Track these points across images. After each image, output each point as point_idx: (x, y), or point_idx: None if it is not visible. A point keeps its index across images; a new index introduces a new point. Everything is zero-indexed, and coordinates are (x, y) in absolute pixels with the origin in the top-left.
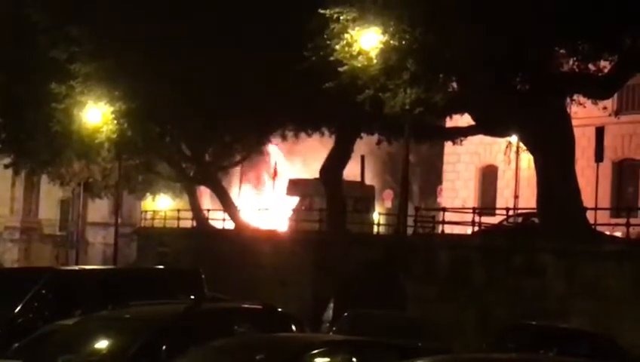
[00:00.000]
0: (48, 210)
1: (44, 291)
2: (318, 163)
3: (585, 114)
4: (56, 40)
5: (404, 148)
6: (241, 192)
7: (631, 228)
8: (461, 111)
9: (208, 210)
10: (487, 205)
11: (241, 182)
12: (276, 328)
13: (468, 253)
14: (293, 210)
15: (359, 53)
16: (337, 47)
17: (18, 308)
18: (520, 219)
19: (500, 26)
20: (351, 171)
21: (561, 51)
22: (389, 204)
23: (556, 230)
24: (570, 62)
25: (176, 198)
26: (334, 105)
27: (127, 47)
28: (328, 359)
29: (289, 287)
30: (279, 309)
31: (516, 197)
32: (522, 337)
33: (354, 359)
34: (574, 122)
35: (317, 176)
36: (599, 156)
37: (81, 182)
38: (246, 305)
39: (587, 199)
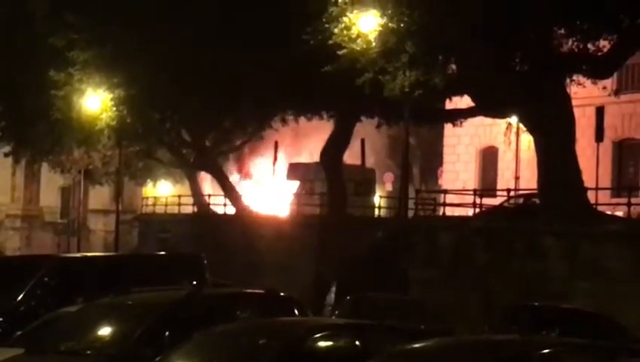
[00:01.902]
0: (49, 197)
1: (46, 279)
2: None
3: (585, 94)
4: (55, 27)
5: (404, 130)
6: (241, 177)
7: (632, 208)
8: (461, 93)
9: (209, 196)
10: (487, 187)
11: (242, 168)
12: (279, 312)
13: (469, 235)
14: (294, 195)
15: (358, 37)
16: (336, 30)
17: (20, 296)
18: (521, 200)
19: (498, 6)
20: (351, 155)
21: (561, 31)
22: (389, 187)
23: (557, 211)
24: (570, 41)
25: (176, 184)
26: (333, 88)
27: (125, 33)
28: (331, 342)
29: (291, 272)
30: (281, 293)
31: (517, 178)
32: (524, 318)
33: (357, 342)
34: (574, 102)
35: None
36: (599, 136)
37: (81, 169)
38: (248, 290)
39: (588, 179)
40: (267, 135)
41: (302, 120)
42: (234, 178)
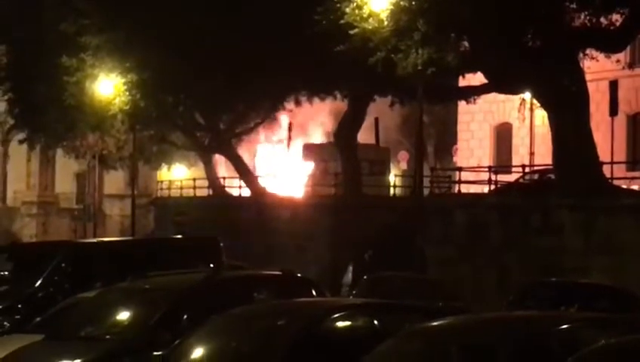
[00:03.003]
0: (64, 183)
1: (63, 265)
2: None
3: (598, 68)
4: (65, 14)
5: (418, 109)
6: (256, 159)
7: None
8: (474, 70)
9: (224, 178)
10: (502, 163)
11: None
12: (296, 293)
13: (485, 212)
14: (309, 176)
15: (370, 16)
16: (347, 10)
17: (38, 282)
18: (536, 176)
19: None
20: (365, 134)
21: (572, 5)
22: (404, 165)
23: (572, 185)
24: (582, 16)
25: (191, 167)
26: (346, 68)
27: (136, 17)
28: (349, 322)
29: (307, 252)
30: (298, 274)
31: (531, 154)
32: (542, 294)
33: (375, 321)
34: (587, 76)
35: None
36: (614, 110)
37: (95, 154)
38: (265, 272)
39: (603, 153)
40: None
41: (315, 100)
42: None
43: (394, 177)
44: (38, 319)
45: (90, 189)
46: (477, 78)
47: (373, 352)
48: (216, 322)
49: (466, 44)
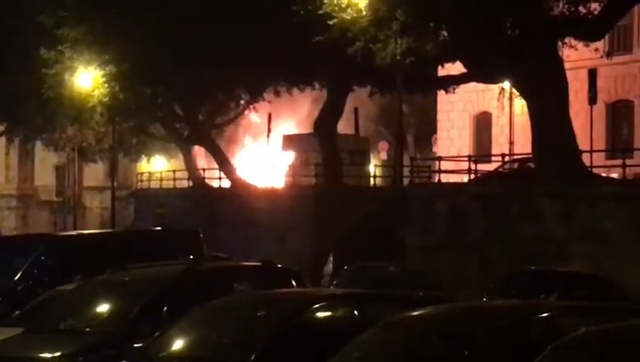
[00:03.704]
0: (44, 176)
1: (43, 258)
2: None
3: (577, 56)
4: (43, 5)
5: (397, 98)
6: (235, 149)
7: (627, 169)
8: (453, 60)
9: (204, 170)
10: (482, 152)
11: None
12: (276, 284)
13: (465, 201)
14: (290, 166)
15: (348, 6)
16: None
17: (18, 275)
18: (516, 165)
19: None
20: (345, 124)
21: None
22: (384, 155)
23: (552, 174)
24: (560, 5)
25: (171, 159)
26: (325, 58)
27: (115, 9)
28: (330, 313)
29: (288, 243)
30: (279, 265)
31: (511, 143)
32: (523, 283)
33: (355, 312)
34: (566, 65)
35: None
36: (593, 98)
37: (75, 146)
38: (245, 263)
39: (582, 142)
40: (260, 107)
41: (295, 91)
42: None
43: (374, 167)
44: (17, 312)
45: (69, 182)
46: (456, 68)
47: (353, 342)
48: (197, 313)
49: (445, 33)
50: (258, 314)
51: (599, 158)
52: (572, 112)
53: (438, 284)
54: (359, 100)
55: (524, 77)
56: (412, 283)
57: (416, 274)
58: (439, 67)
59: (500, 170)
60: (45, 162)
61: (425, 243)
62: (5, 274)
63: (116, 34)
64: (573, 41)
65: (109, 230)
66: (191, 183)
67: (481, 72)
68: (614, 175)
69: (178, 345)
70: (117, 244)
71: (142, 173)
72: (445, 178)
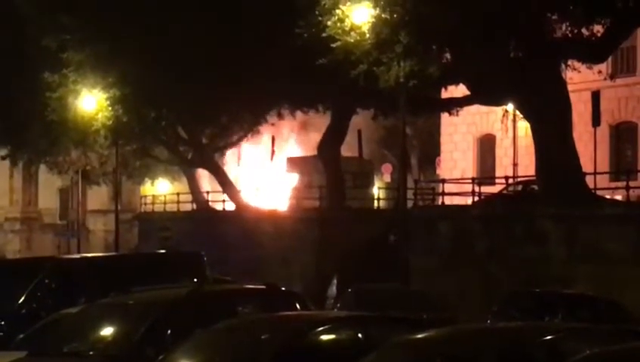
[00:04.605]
0: (48, 199)
1: (46, 281)
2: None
3: (580, 78)
4: (46, 29)
5: (401, 121)
6: (239, 173)
7: (631, 191)
8: (456, 82)
9: (208, 193)
10: (486, 174)
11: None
12: (280, 307)
13: (469, 223)
14: (293, 189)
15: (351, 29)
16: (329, 23)
17: (21, 298)
18: (520, 187)
19: None
20: (348, 147)
21: (554, 17)
22: (388, 178)
23: (556, 196)
24: (563, 27)
25: (174, 182)
26: (328, 81)
27: (118, 32)
28: (334, 336)
29: (292, 266)
30: (282, 288)
31: (515, 165)
32: (526, 304)
33: (359, 334)
34: (570, 87)
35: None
36: (596, 120)
37: (79, 170)
38: (249, 286)
39: (586, 164)
40: (264, 130)
41: (298, 114)
42: (234, 170)
43: (377, 190)
44: (21, 336)
45: (73, 205)
46: (459, 90)
47: None
48: (201, 336)
49: (448, 56)
50: (261, 337)
51: (603, 180)
52: (575, 134)
53: (442, 306)
54: (363, 123)
55: (528, 99)
56: (416, 304)
57: (420, 296)
58: (442, 89)
59: (504, 192)
60: (49, 185)
61: (429, 265)
62: (9, 297)
63: (120, 57)
64: (577, 63)
65: (113, 253)
66: (195, 206)
67: (485, 94)
68: (618, 197)
69: None
70: (121, 267)
71: (145, 196)
72: (449, 200)
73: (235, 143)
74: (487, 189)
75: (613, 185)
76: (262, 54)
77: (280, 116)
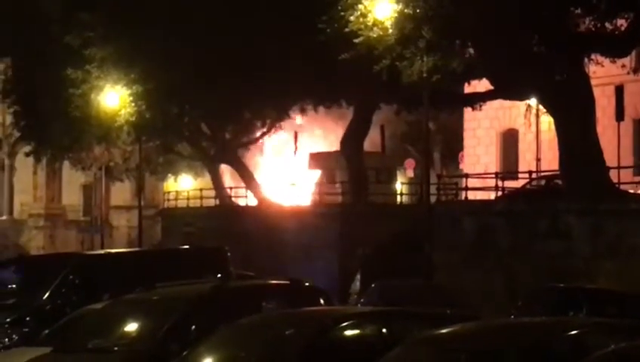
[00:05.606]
0: (71, 195)
1: (71, 277)
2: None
3: (603, 73)
4: (70, 26)
5: (424, 116)
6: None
7: None
8: (479, 77)
9: (231, 188)
10: (509, 169)
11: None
12: (304, 302)
13: (492, 218)
14: (316, 184)
15: (374, 24)
16: (352, 18)
17: (46, 294)
18: (543, 182)
19: None
20: (371, 142)
21: (577, 11)
22: (411, 173)
23: (580, 191)
24: (587, 21)
25: (197, 178)
26: (351, 76)
27: (141, 28)
28: (358, 331)
29: (315, 261)
30: (306, 283)
31: (538, 160)
32: (551, 300)
33: (383, 330)
34: (593, 82)
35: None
36: (620, 115)
37: (102, 166)
38: (273, 281)
39: (609, 158)
40: (286, 125)
41: (321, 109)
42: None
43: (400, 185)
44: (46, 331)
45: (96, 201)
46: (482, 85)
47: (381, 360)
48: (225, 332)
49: (471, 50)
50: (286, 332)
51: (627, 175)
52: (599, 129)
53: (466, 301)
54: (385, 118)
55: (551, 93)
56: (439, 300)
57: (443, 291)
58: (465, 84)
59: (527, 186)
60: (73, 181)
61: (452, 260)
62: (34, 293)
63: (142, 53)
64: (600, 58)
65: (137, 249)
66: (218, 202)
67: (508, 88)
68: None
69: None
70: (144, 263)
71: (169, 192)
72: (472, 195)
73: (258, 139)
74: (510, 184)
75: (637, 179)
76: (285, 50)
77: (303, 112)
